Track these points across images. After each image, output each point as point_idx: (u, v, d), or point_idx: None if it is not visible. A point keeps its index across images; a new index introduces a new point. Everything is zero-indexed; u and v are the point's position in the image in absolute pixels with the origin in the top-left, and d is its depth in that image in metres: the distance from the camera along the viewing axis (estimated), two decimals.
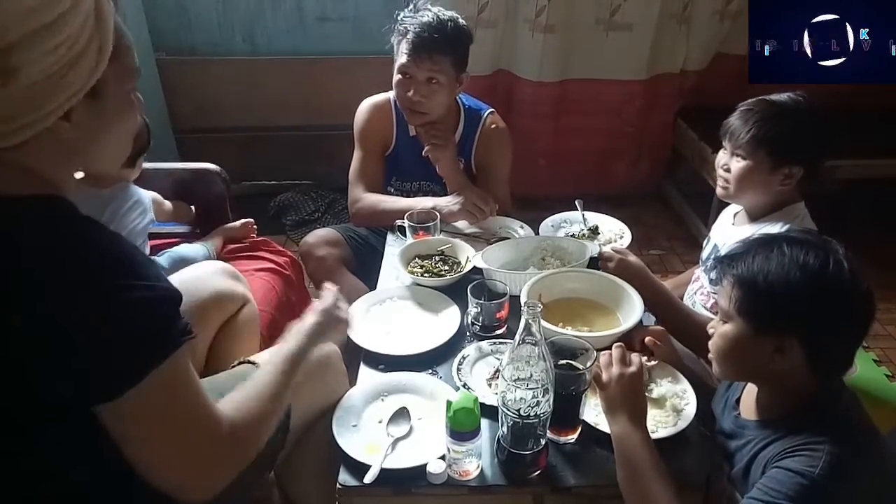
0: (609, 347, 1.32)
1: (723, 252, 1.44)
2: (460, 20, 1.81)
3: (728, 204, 1.64)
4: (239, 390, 0.97)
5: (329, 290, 1.27)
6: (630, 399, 1.08)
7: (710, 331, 1.09)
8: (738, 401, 1.16)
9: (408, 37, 1.75)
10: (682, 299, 1.65)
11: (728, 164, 1.49)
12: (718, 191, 1.55)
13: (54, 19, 0.74)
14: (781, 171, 1.43)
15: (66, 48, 0.75)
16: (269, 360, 1.07)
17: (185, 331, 0.84)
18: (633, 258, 1.52)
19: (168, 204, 1.98)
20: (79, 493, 0.90)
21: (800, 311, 0.96)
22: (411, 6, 1.81)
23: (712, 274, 1.52)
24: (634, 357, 1.12)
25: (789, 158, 1.42)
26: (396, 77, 1.82)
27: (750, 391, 1.14)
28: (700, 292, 1.61)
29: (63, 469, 0.87)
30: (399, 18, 1.79)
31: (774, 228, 1.43)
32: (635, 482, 1.03)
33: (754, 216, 1.52)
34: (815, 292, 0.95)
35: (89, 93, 0.80)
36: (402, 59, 1.78)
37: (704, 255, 1.66)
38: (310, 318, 1.18)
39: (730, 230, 1.58)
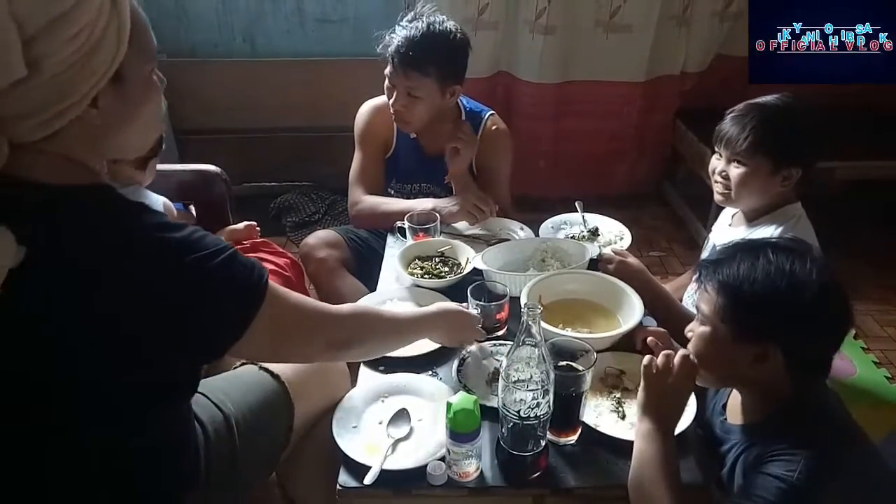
0: (610, 349, 1.33)
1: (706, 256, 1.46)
2: (455, 34, 1.78)
3: None
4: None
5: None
6: (669, 408, 1.07)
7: (689, 334, 1.09)
8: (724, 406, 1.17)
9: (390, 48, 1.75)
10: (682, 300, 1.65)
11: (725, 170, 1.49)
12: (717, 197, 1.55)
13: (71, 7, 0.74)
14: (781, 174, 1.43)
15: (85, 35, 0.76)
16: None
17: (262, 270, 0.92)
18: (632, 260, 1.52)
19: (174, 211, 1.97)
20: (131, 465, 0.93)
21: (784, 321, 0.97)
22: (411, 13, 1.80)
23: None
24: (693, 369, 1.08)
25: (789, 160, 1.42)
26: (385, 83, 1.83)
27: (735, 396, 1.14)
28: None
29: (118, 442, 0.89)
30: (398, 21, 1.79)
31: (770, 230, 1.44)
32: (644, 484, 1.02)
33: (751, 218, 1.52)
34: (800, 303, 0.96)
35: (113, 77, 0.80)
36: (387, 68, 1.79)
37: (704, 255, 1.66)
38: (447, 307, 1.31)
39: (727, 231, 1.58)
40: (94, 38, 0.77)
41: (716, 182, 1.53)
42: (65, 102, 0.77)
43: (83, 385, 0.81)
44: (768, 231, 1.44)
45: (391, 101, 1.82)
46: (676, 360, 1.07)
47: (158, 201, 1.81)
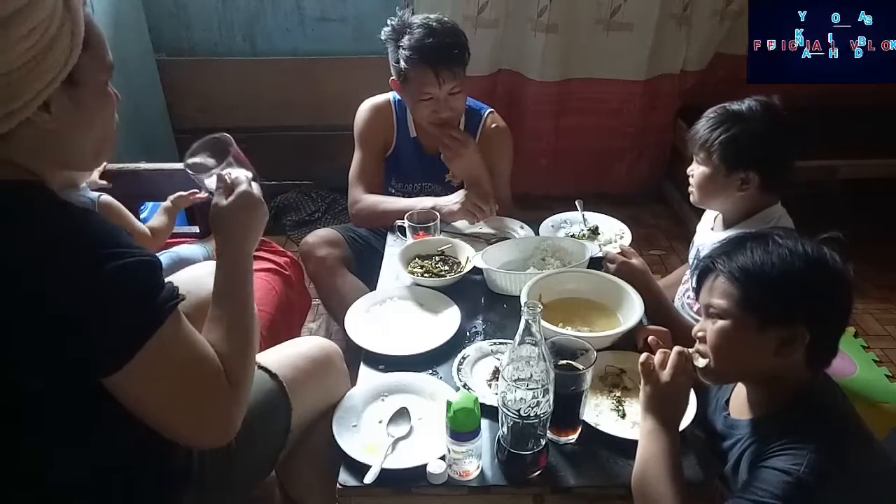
0: (610, 348, 1.33)
1: (704, 253, 1.47)
2: (445, 18, 1.80)
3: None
4: (217, 335, 0.96)
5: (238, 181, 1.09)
6: (671, 405, 1.07)
7: (700, 334, 1.08)
8: (727, 402, 1.17)
9: (421, 61, 1.71)
10: (672, 299, 1.65)
11: (693, 170, 1.53)
12: (691, 197, 1.58)
13: (25, 4, 0.75)
14: (737, 176, 1.44)
15: (39, 33, 0.76)
16: (223, 297, 1.02)
17: (174, 294, 0.86)
18: (637, 260, 1.53)
19: (121, 209, 1.67)
20: (74, 487, 0.91)
21: (809, 298, 0.98)
22: (394, 24, 1.77)
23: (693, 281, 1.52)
24: (689, 365, 1.09)
25: (739, 164, 1.43)
26: (418, 104, 1.80)
27: (739, 392, 1.14)
28: (688, 295, 1.62)
29: (56, 463, 0.87)
30: (391, 38, 1.77)
31: None
32: (648, 482, 1.02)
33: (729, 222, 1.54)
34: (819, 278, 0.98)
35: (67, 82, 0.81)
36: (423, 87, 1.75)
37: (691, 257, 1.68)
38: (225, 225, 1.05)
39: (709, 235, 1.60)
40: (48, 38, 0.77)
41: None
42: (16, 102, 0.77)
43: (11, 388, 0.80)
44: None
45: (437, 113, 1.79)
46: (672, 356, 1.08)
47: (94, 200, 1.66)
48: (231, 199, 1.05)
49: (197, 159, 1.10)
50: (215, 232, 1.06)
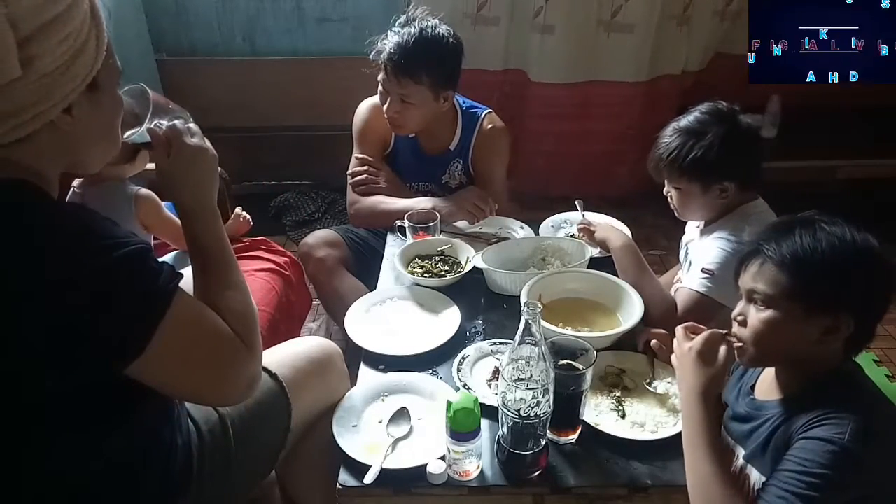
0: (610, 348, 1.33)
1: (692, 251, 1.52)
2: (448, 39, 1.76)
3: None
4: (213, 299, 0.95)
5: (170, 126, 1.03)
6: (689, 375, 1.08)
7: (740, 318, 1.07)
8: (752, 387, 1.15)
9: (382, 55, 1.75)
10: None
11: (670, 191, 1.54)
12: (675, 214, 1.59)
13: (64, 9, 0.78)
14: (714, 189, 1.45)
15: (73, 38, 0.79)
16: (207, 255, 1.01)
17: (173, 272, 0.86)
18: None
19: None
20: (85, 489, 0.91)
21: (858, 288, 0.97)
22: (403, 16, 1.79)
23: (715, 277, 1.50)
24: (701, 337, 1.10)
25: (712, 180, 1.44)
26: (379, 87, 1.83)
27: (767, 375, 1.13)
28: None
29: (69, 466, 0.88)
30: (391, 25, 1.78)
31: (727, 230, 1.45)
32: (687, 456, 1.03)
33: (709, 220, 1.55)
34: (868, 268, 0.97)
35: (89, 85, 0.83)
36: (380, 74, 1.79)
37: (681, 256, 1.68)
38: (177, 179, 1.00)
39: (697, 233, 1.62)
40: (80, 42, 0.80)
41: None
42: (46, 104, 0.79)
43: (18, 389, 0.80)
44: (724, 232, 1.46)
45: (385, 106, 1.82)
46: (679, 334, 1.12)
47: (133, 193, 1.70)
48: (171, 157, 1.00)
49: (133, 129, 1.02)
50: (169, 196, 1.02)
